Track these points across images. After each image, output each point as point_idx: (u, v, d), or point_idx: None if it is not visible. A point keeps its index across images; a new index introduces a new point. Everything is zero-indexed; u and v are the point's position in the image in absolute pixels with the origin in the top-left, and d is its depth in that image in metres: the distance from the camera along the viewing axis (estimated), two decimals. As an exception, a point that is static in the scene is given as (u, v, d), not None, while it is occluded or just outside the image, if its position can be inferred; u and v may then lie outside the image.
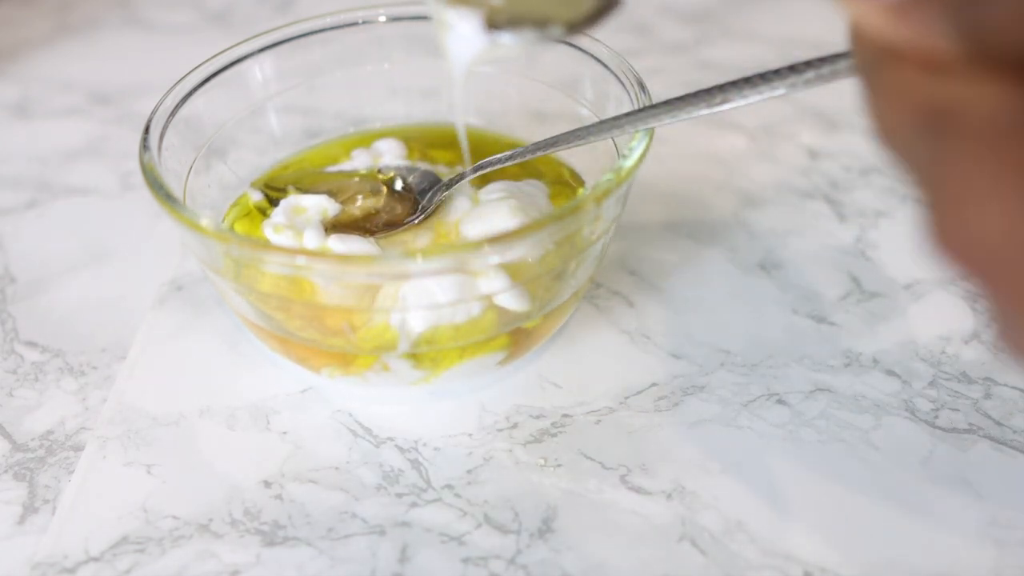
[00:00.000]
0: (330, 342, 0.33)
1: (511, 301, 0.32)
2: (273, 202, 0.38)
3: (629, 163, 0.31)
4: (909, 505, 0.30)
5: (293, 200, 0.37)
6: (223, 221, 0.38)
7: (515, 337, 0.33)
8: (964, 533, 0.30)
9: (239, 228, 0.38)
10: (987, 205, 0.15)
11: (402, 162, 0.40)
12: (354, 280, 0.32)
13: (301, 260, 0.28)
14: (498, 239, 0.28)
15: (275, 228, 0.36)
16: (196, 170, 0.37)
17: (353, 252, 0.34)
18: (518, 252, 0.30)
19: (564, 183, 0.39)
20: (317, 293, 0.33)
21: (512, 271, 0.33)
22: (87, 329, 0.39)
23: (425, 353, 0.32)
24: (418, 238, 0.36)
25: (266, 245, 0.33)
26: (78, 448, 0.34)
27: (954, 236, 0.16)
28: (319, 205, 0.37)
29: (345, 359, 0.33)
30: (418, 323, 0.32)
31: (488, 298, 0.32)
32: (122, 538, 0.30)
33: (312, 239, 0.35)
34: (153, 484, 0.32)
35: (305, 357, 0.34)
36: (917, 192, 0.18)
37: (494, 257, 0.29)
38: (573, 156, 0.40)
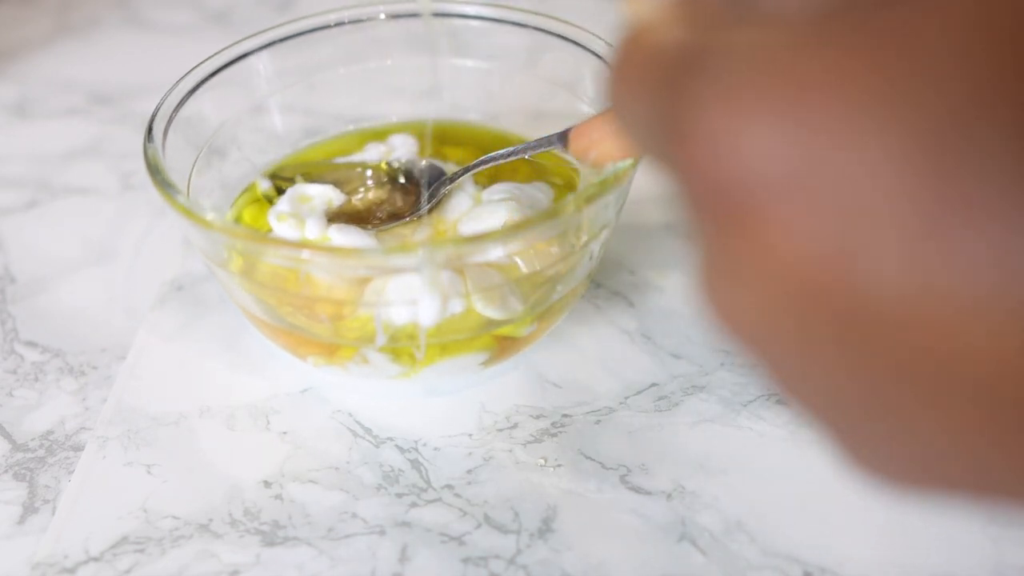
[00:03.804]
0: (316, 330, 0.33)
1: (489, 309, 0.32)
2: (281, 191, 0.38)
3: (615, 172, 0.30)
4: (909, 505, 0.30)
5: (299, 189, 0.38)
6: (230, 209, 0.39)
7: (498, 339, 0.34)
8: (964, 533, 0.29)
9: (247, 215, 0.38)
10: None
11: (411, 157, 0.40)
12: (319, 270, 0.32)
13: (284, 251, 0.29)
14: (467, 240, 0.29)
15: (279, 216, 0.36)
16: (199, 169, 0.37)
17: (349, 243, 0.34)
18: (492, 253, 0.30)
19: (574, 188, 0.39)
20: (308, 282, 0.33)
21: (500, 273, 0.33)
22: (87, 329, 0.39)
23: (404, 348, 0.32)
24: (417, 232, 0.36)
25: (251, 235, 0.33)
26: (78, 448, 0.34)
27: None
28: (324, 195, 0.37)
29: (330, 348, 0.33)
30: (398, 318, 0.32)
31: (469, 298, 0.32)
32: (122, 538, 0.30)
33: (314, 228, 0.35)
34: (153, 484, 0.32)
35: (292, 344, 0.34)
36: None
37: (464, 258, 0.29)
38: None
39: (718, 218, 0.14)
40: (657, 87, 0.15)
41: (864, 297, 0.12)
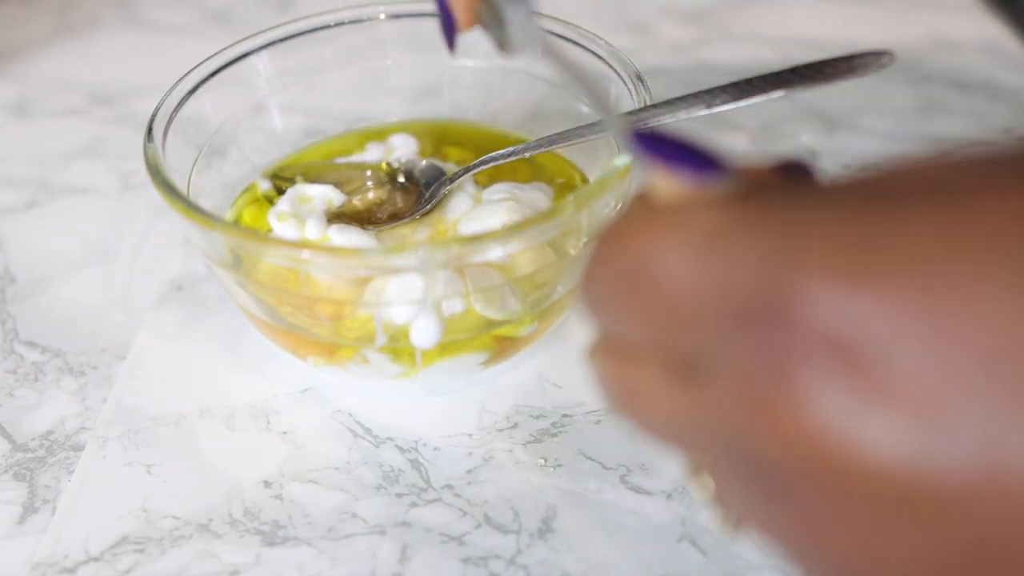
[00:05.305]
0: (316, 330, 0.33)
1: (489, 309, 0.32)
2: (281, 191, 0.38)
3: (614, 171, 0.30)
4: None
5: (300, 189, 0.38)
6: (230, 209, 0.39)
7: (498, 339, 0.34)
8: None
9: (247, 215, 0.38)
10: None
11: (412, 157, 0.40)
12: (319, 270, 0.32)
13: (283, 251, 0.29)
14: (467, 240, 0.29)
15: (279, 216, 0.36)
16: (199, 169, 0.37)
17: (349, 243, 0.35)
18: (492, 254, 0.30)
19: (574, 188, 0.39)
20: (307, 282, 0.33)
21: (500, 273, 0.33)
22: (87, 329, 0.39)
23: (404, 348, 0.32)
24: (417, 232, 0.36)
25: (251, 235, 0.33)
26: (78, 448, 0.34)
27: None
28: (325, 195, 0.37)
29: (330, 348, 0.33)
30: (398, 318, 0.32)
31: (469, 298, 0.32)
32: (122, 538, 0.30)
33: (314, 228, 0.35)
34: (153, 484, 0.32)
35: (292, 344, 0.34)
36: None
37: (464, 258, 0.29)
38: (584, 159, 0.40)
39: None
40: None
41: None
